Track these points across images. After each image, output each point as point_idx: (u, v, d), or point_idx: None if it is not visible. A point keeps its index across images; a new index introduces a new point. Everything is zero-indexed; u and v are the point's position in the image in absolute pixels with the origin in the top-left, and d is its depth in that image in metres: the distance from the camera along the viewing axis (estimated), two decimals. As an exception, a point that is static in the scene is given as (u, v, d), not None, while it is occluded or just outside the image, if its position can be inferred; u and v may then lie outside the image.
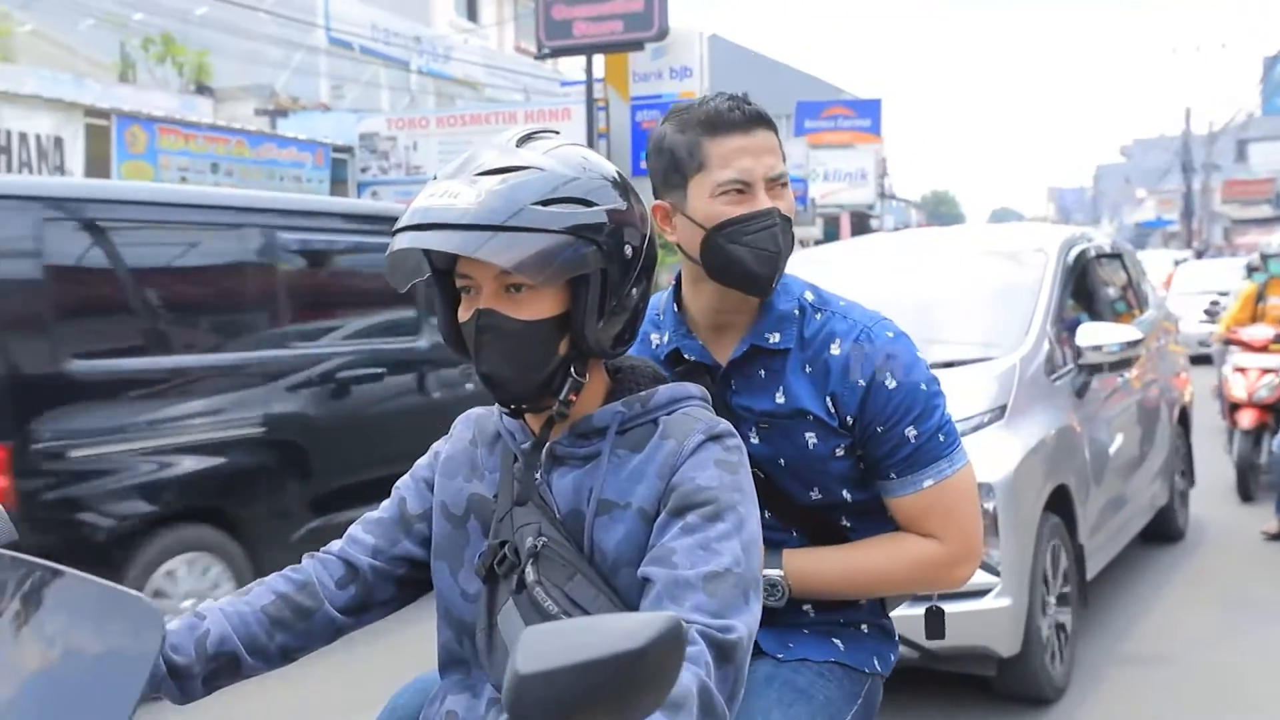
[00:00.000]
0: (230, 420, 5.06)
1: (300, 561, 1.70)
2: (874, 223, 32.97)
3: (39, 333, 4.49)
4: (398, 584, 1.70)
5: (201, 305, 5.33)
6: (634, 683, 1.09)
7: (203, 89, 17.24)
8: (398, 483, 1.75)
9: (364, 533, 1.70)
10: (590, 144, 13.93)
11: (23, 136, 11.76)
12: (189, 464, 4.85)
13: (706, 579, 1.40)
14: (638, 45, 15.66)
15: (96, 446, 4.57)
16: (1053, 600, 4.39)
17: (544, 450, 1.59)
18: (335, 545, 1.70)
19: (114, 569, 4.34)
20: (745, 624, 1.39)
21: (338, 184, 16.18)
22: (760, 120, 1.86)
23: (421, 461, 1.75)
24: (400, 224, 1.50)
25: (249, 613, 1.58)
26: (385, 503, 1.74)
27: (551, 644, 1.08)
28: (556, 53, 16.24)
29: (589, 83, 15.78)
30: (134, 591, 1.19)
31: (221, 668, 1.54)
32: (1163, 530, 6.47)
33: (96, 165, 12.39)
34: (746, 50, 40.52)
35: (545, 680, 1.06)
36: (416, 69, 21.60)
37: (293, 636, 1.62)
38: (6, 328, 4.37)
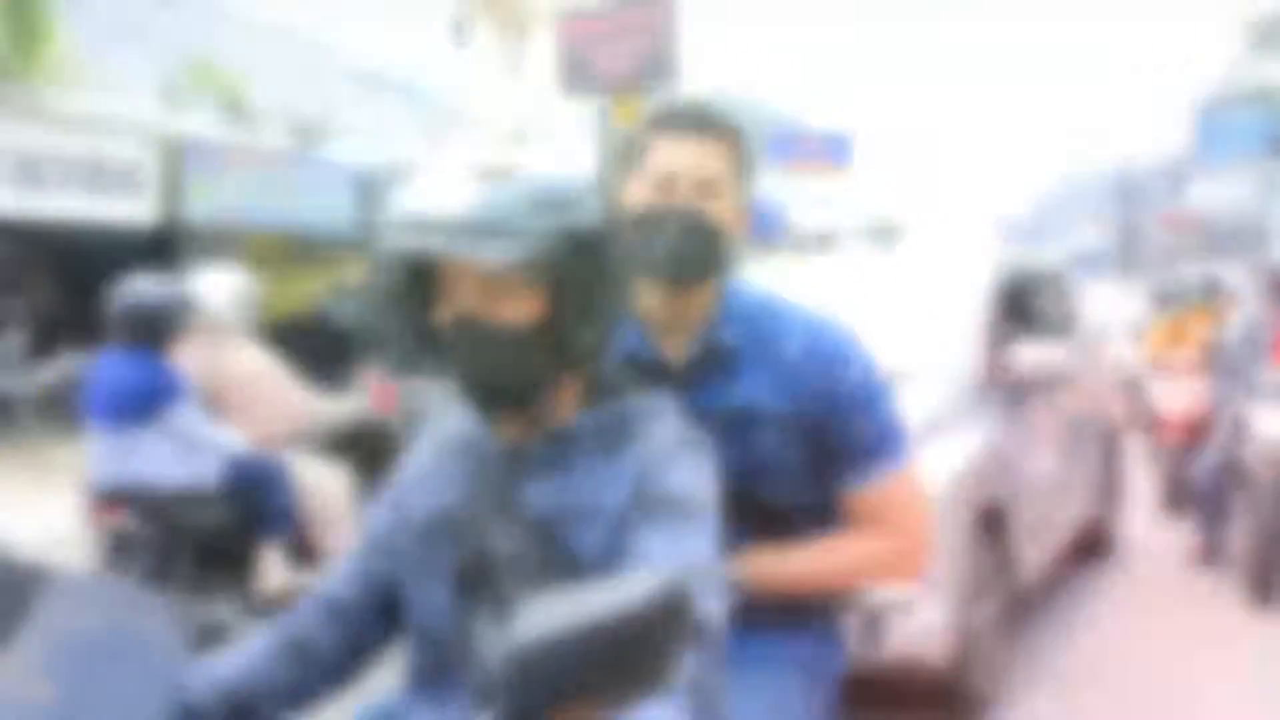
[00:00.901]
0: None
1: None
2: (832, 243, 32.80)
3: None
4: (383, 613, 1.50)
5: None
6: (633, 651, 0.85)
7: (235, 112, 16.83)
8: (366, 509, 1.44)
9: (341, 569, 1.51)
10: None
11: (109, 158, 11.66)
12: None
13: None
14: (650, 86, 15.49)
15: None
16: (984, 615, 4.01)
17: (517, 457, 1.43)
18: (317, 586, 1.52)
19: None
20: (720, 610, 1.28)
21: (365, 205, 15.91)
22: (709, 127, 1.72)
23: (388, 482, 1.56)
24: (389, 224, 1.27)
25: (257, 657, 1.42)
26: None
27: (550, 611, 0.91)
28: (574, 91, 16.03)
29: (603, 119, 15.52)
30: (152, 594, 1.04)
31: (237, 714, 1.36)
32: (1092, 545, 6.06)
33: (166, 184, 12.31)
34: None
35: (543, 650, 0.89)
36: (441, 100, 21.26)
37: (301, 680, 1.44)
38: None
